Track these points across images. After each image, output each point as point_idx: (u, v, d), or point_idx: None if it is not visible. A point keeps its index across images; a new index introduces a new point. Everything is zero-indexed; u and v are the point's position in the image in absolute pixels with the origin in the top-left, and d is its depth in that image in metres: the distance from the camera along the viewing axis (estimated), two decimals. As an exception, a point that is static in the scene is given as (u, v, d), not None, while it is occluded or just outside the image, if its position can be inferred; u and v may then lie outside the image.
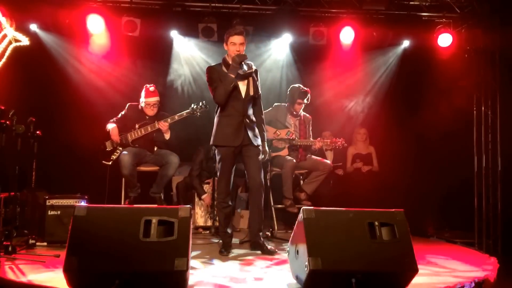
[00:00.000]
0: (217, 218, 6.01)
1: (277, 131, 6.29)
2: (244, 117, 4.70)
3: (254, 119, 4.82)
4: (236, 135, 4.67)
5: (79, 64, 7.08)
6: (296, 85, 6.28)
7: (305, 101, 6.16)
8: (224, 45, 4.79)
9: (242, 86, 4.71)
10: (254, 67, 4.85)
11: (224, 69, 4.73)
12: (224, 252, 4.69)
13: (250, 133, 4.71)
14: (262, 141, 4.87)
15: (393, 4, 6.63)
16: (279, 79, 7.72)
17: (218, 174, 4.87)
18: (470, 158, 6.77)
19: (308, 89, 6.21)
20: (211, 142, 4.82)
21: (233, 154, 4.74)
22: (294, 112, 6.23)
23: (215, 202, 5.88)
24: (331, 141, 6.16)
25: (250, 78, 4.76)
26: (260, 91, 4.88)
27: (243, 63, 4.69)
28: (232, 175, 4.83)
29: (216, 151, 4.86)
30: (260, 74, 7.66)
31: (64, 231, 4.49)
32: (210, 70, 4.79)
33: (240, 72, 4.66)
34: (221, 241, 4.90)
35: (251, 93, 4.74)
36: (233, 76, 4.61)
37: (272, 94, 7.41)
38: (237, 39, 4.68)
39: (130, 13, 6.54)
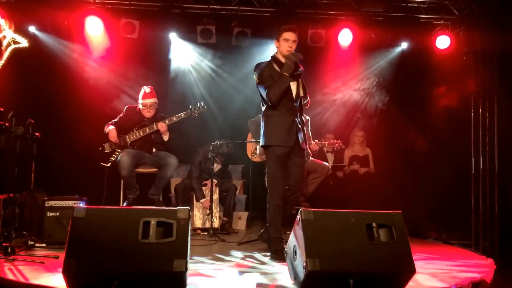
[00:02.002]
0: (217, 219, 6.06)
1: None
2: (295, 117, 4.52)
3: (302, 120, 4.64)
4: (289, 135, 4.47)
5: (78, 66, 7.09)
6: None
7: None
8: (275, 41, 4.58)
9: (294, 86, 4.52)
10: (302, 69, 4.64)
11: (275, 66, 4.53)
12: (277, 258, 4.40)
13: (299, 135, 4.54)
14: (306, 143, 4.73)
15: (391, 6, 6.67)
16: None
17: (268, 177, 4.59)
18: (467, 159, 6.80)
19: None
20: (263, 143, 4.56)
21: (287, 155, 4.52)
22: None
23: (213, 204, 5.91)
24: (329, 142, 6.19)
25: (300, 80, 4.59)
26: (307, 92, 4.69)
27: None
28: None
29: (266, 152, 4.60)
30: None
31: (63, 233, 4.51)
32: (260, 68, 4.56)
33: (296, 72, 4.49)
34: (269, 245, 4.62)
35: (301, 94, 4.57)
36: (287, 74, 4.39)
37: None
38: (290, 35, 4.48)
39: (128, 15, 6.56)
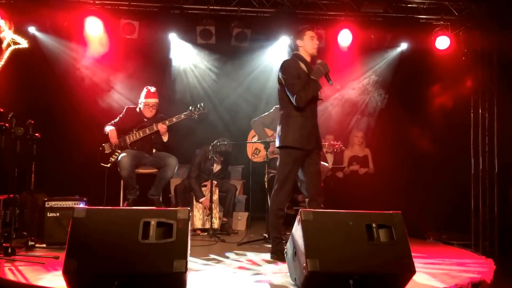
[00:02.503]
0: (216, 220, 6.06)
1: (274, 133, 6.32)
2: (315, 119, 4.50)
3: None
4: (309, 138, 4.40)
5: (78, 66, 7.10)
6: None
7: None
8: (298, 41, 4.49)
9: None
10: None
11: (302, 65, 4.45)
12: (277, 258, 4.39)
13: (317, 138, 4.50)
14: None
15: (391, 7, 6.67)
16: (276, 82, 7.74)
17: (278, 177, 4.44)
18: (467, 160, 6.80)
19: None
20: (281, 143, 4.43)
21: (304, 158, 4.41)
22: None
23: (212, 205, 5.92)
24: (329, 144, 6.19)
25: None
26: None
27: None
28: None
29: (281, 153, 4.48)
30: (258, 77, 7.85)
31: (63, 233, 4.53)
32: (288, 65, 4.45)
33: (329, 82, 4.42)
34: (276, 246, 4.50)
35: (320, 97, 4.52)
36: (316, 79, 4.33)
37: (271, 97, 7.45)
38: (314, 33, 4.48)
39: (128, 16, 6.57)
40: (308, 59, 4.50)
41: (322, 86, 4.42)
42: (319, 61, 4.41)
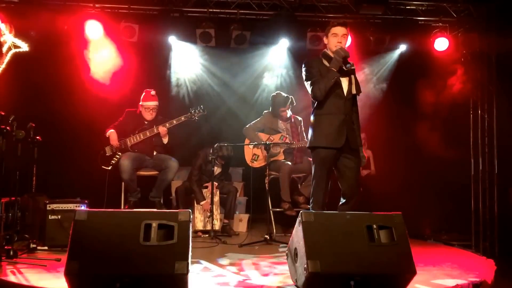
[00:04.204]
0: (217, 221, 6.08)
1: (270, 137, 6.37)
2: (346, 116, 4.23)
3: (353, 119, 4.34)
4: (339, 136, 4.20)
5: (78, 69, 7.10)
6: (275, 93, 6.41)
7: (287, 106, 6.26)
8: (324, 38, 4.39)
9: (345, 83, 4.28)
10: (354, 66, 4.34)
11: (325, 62, 4.31)
12: None
13: (350, 136, 4.24)
14: (360, 144, 4.39)
15: (389, 9, 6.68)
16: (276, 84, 7.78)
17: (313, 178, 4.32)
18: (467, 161, 6.82)
19: (279, 93, 6.35)
20: (309, 144, 4.35)
21: (334, 157, 4.24)
22: (283, 117, 6.35)
23: (213, 207, 5.92)
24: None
25: (352, 76, 4.32)
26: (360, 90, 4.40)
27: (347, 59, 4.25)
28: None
29: (312, 154, 4.38)
30: (257, 79, 7.88)
31: (65, 235, 4.50)
32: (309, 63, 4.35)
33: (344, 68, 4.24)
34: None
35: (353, 91, 4.28)
36: (335, 70, 4.18)
37: (270, 99, 7.46)
38: (339, 30, 4.26)
39: (128, 19, 6.58)
40: (332, 56, 4.27)
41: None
42: (335, 49, 4.25)
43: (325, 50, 4.39)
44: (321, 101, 4.25)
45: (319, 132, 4.26)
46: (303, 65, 4.38)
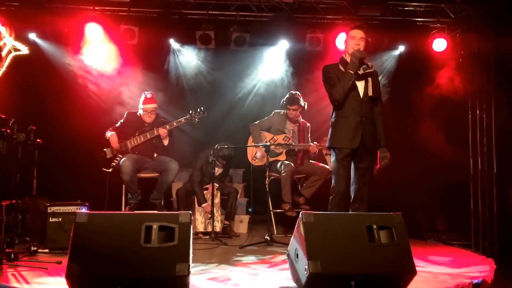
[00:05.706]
0: (218, 223, 6.08)
1: (274, 137, 6.38)
2: (362, 118, 4.33)
3: (373, 121, 4.44)
4: (354, 137, 4.31)
5: (78, 72, 7.12)
6: (293, 91, 6.41)
7: (296, 106, 6.27)
8: (344, 41, 4.53)
9: (361, 85, 4.36)
10: (373, 68, 4.44)
11: (341, 67, 4.41)
12: None
13: (366, 138, 4.34)
14: (385, 144, 4.50)
15: (388, 10, 6.70)
16: (276, 86, 7.80)
17: (332, 174, 4.48)
18: (466, 161, 6.83)
19: (296, 92, 6.33)
20: (327, 145, 4.49)
21: (350, 157, 4.37)
22: (292, 118, 6.35)
23: (214, 208, 5.93)
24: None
25: (369, 78, 4.38)
26: (380, 92, 4.53)
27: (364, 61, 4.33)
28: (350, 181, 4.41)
29: (332, 154, 4.50)
30: (256, 81, 7.89)
31: (66, 238, 4.49)
32: (327, 68, 4.46)
33: (360, 71, 4.31)
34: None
35: (370, 93, 4.35)
36: (352, 72, 4.27)
37: (269, 101, 7.49)
38: (357, 32, 4.38)
39: (128, 21, 6.60)
40: (349, 60, 4.37)
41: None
42: (352, 51, 4.34)
43: (343, 55, 4.50)
44: (340, 104, 4.36)
45: (336, 133, 4.40)
46: (322, 71, 4.48)
